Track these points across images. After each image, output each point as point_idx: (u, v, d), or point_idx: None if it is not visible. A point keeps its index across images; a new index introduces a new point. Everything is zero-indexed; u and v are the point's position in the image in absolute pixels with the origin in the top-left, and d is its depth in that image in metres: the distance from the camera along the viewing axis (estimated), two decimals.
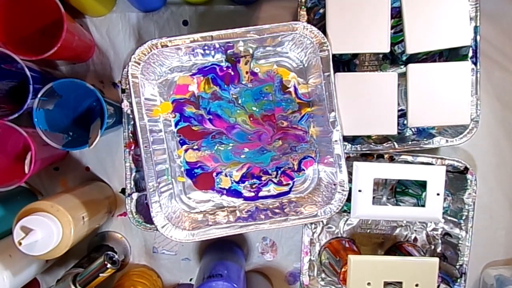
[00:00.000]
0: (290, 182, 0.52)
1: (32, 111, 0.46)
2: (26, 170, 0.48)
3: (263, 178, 0.52)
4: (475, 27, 0.49)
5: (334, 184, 0.48)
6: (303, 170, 0.52)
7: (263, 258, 0.58)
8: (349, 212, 0.51)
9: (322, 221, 0.55)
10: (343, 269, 0.49)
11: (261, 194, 0.52)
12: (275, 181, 0.52)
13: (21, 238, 0.41)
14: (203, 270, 0.51)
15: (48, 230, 0.42)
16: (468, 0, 0.47)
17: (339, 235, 0.56)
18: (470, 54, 0.49)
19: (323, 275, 0.56)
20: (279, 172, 0.52)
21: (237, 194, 0.52)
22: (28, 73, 0.44)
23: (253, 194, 0.52)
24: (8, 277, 0.45)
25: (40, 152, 0.46)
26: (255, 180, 0.52)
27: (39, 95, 0.45)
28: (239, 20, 0.54)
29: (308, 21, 0.50)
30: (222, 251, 0.54)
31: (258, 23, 0.55)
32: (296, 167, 0.52)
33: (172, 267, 0.58)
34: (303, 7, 0.50)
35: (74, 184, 0.56)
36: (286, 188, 0.52)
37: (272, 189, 0.52)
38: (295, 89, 0.51)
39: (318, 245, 0.56)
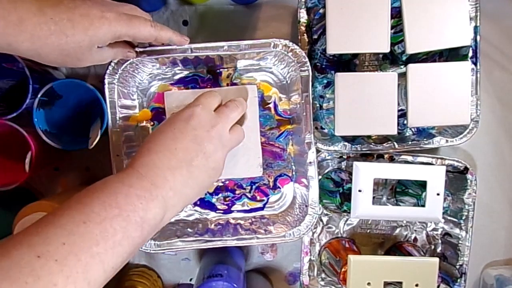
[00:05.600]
0: (265, 198, 0.52)
1: (32, 111, 0.46)
2: (26, 170, 0.47)
3: (237, 192, 0.52)
4: (475, 27, 0.49)
5: (306, 206, 0.48)
6: (279, 187, 0.52)
7: (263, 258, 0.58)
8: (349, 212, 0.51)
9: (322, 221, 0.56)
10: (343, 269, 0.49)
11: (234, 207, 0.52)
12: (249, 196, 0.52)
13: None
14: (203, 270, 0.51)
15: None
16: (468, 0, 0.47)
17: (339, 235, 0.56)
18: (470, 54, 0.49)
19: (323, 275, 0.56)
20: (254, 187, 0.52)
21: (210, 206, 0.51)
22: (28, 72, 0.44)
23: (225, 207, 0.52)
24: None
25: (40, 152, 0.46)
26: (228, 193, 0.51)
27: (39, 95, 0.46)
28: (239, 20, 0.54)
29: (308, 21, 0.50)
30: (222, 251, 0.54)
31: (258, 23, 0.55)
32: (271, 184, 0.52)
33: (172, 267, 0.58)
34: (303, 7, 0.50)
35: (74, 184, 0.56)
36: (260, 204, 0.52)
37: (246, 203, 0.52)
38: (275, 106, 0.51)
39: (318, 245, 0.56)
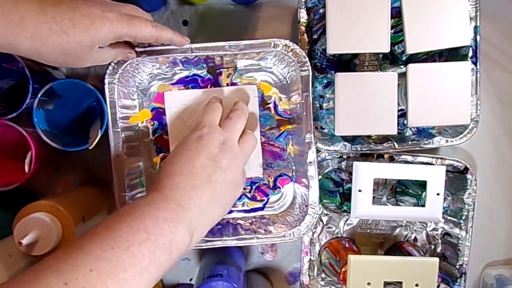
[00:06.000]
0: (265, 198, 0.52)
1: (32, 111, 0.46)
2: (26, 170, 0.47)
3: None
4: (475, 27, 0.49)
5: (306, 206, 0.48)
6: (279, 187, 0.52)
7: (263, 258, 0.58)
8: (349, 212, 0.51)
9: (322, 221, 0.56)
10: (343, 269, 0.49)
11: (233, 207, 0.51)
12: (249, 195, 0.52)
13: (21, 238, 0.41)
14: (203, 270, 0.51)
15: (48, 230, 0.42)
16: (468, 0, 0.47)
17: (339, 235, 0.56)
18: (470, 54, 0.49)
19: (323, 275, 0.56)
20: (254, 187, 0.52)
21: None
22: (28, 72, 0.44)
23: None
24: (8, 277, 0.45)
25: (40, 152, 0.46)
26: None
27: (39, 95, 0.46)
28: (239, 20, 0.54)
29: (308, 21, 0.50)
30: (222, 251, 0.54)
31: (258, 23, 0.55)
32: (271, 184, 0.52)
33: (172, 267, 0.58)
34: (303, 7, 0.50)
35: (74, 184, 0.56)
36: (260, 204, 0.52)
37: (246, 203, 0.52)
38: (275, 106, 0.51)
39: (318, 245, 0.56)
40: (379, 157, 0.52)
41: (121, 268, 0.30)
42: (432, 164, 0.51)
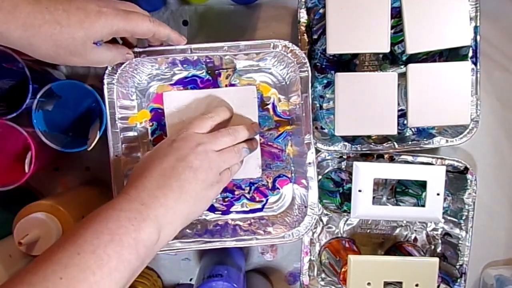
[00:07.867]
0: (263, 199, 0.52)
1: (32, 112, 0.46)
2: (26, 170, 0.48)
3: (236, 193, 0.51)
4: (475, 27, 0.49)
5: (305, 207, 0.48)
6: (278, 188, 0.52)
7: (263, 258, 0.58)
8: (349, 212, 0.51)
9: (322, 221, 0.56)
10: (343, 269, 0.49)
11: (233, 208, 0.51)
12: (248, 196, 0.52)
13: (21, 238, 0.41)
14: (203, 270, 0.51)
15: (48, 230, 0.42)
16: (468, 0, 0.47)
17: (339, 235, 0.56)
18: (470, 54, 0.49)
19: (323, 275, 0.56)
20: (252, 188, 0.52)
21: (209, 207, 0.51)
22: (28, 72, 0.44)
23: (224, 208, 0.51)
24: (8, 277, 0.45)
25: (40, 152, 0.46)
26: (227, 193, 0.51)
27: (38, 96, 0.45)
28: (239, 20, 0.54)
29: (308, 21, 0.50)
30: (222, 251, 0.54)
31: (258, 23, 0.55)
32: (270, 185, 0.52)
33: (172, 267, 0.58)
34: (303, 7, 0.50)
35: (74, 184, 0.56)
36: (259, 205, 0.52)
37: (245, 204, 0.52)
38: (274, 106, 0.51)
39: (318, 245, 0.56)
40: (379, 157, 0.52)
41: (90, 271, 0.30)
42: (432, 164, 0.51)
